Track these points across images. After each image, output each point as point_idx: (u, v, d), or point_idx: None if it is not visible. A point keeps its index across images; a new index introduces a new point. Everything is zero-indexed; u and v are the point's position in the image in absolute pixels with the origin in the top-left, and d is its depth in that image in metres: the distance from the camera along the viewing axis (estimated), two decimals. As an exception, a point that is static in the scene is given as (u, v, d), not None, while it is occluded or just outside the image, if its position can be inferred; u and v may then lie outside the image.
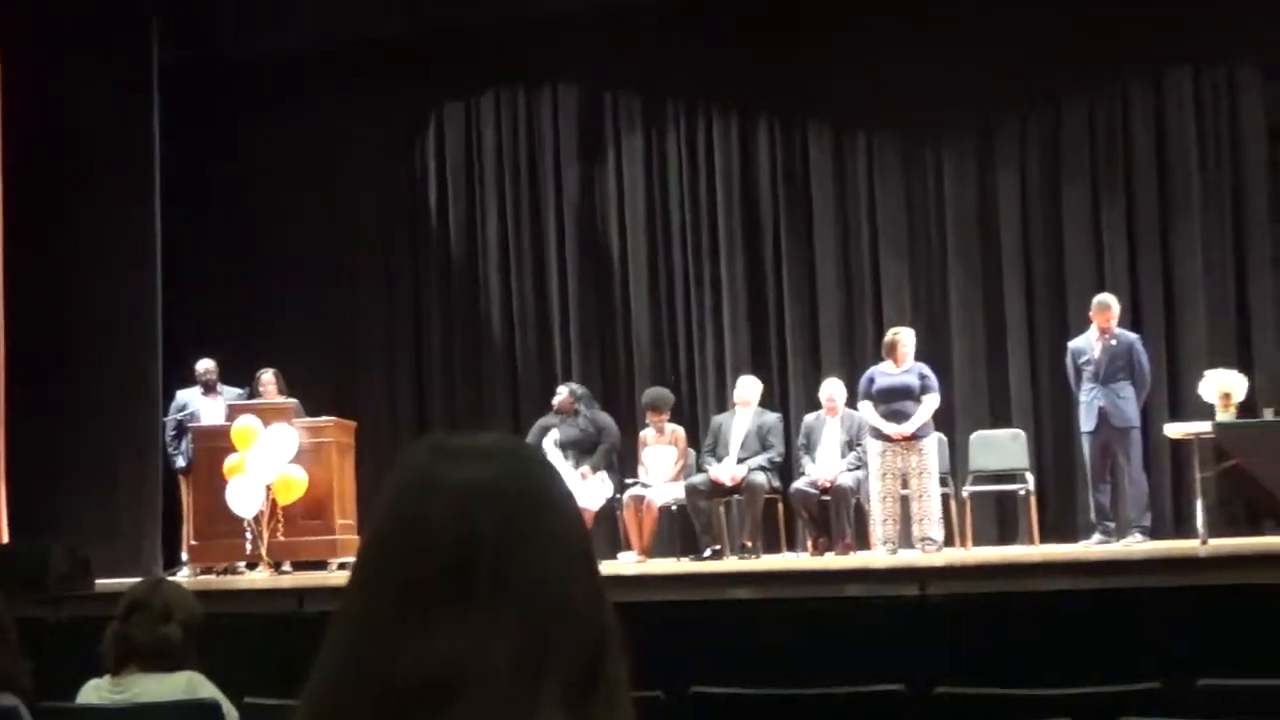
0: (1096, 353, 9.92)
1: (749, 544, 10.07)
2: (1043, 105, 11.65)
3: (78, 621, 7.36)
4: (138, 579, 4.59)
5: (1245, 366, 10.42)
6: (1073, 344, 10.23)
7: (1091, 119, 11.52)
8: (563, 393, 10.93)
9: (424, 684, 1.39)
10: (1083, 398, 10.01)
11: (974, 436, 10.93)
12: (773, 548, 10.48)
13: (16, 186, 11.41)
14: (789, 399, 11.62)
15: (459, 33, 12.69)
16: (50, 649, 4.48)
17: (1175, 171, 11.34)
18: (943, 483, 10.17)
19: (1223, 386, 9.59)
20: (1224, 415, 9.48)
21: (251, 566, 10.46)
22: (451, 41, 12.75)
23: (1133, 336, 10.08)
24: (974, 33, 11.66)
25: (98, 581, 9.16)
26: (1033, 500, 10.58)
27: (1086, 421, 9.97)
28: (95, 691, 4.21)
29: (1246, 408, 9.75)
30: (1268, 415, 9.95)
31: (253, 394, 11.15)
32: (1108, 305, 10.00)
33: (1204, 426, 9.49)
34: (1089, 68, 11.52)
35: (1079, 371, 10.05)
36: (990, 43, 11.67)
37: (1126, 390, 9.86)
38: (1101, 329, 9.93)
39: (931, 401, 9.99)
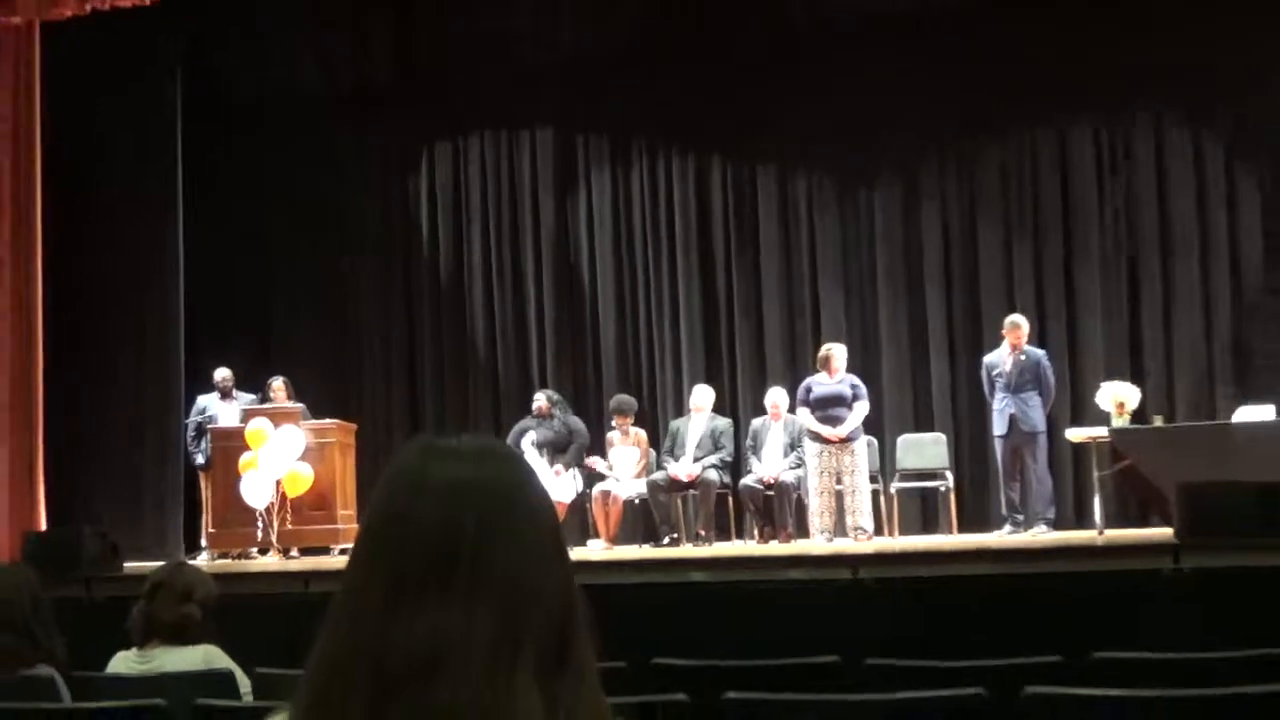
0: (1008, 366, 9.96)
1: (703, 533, 10.08)
2: (961, 152, 11.69)
3: (108, 601, 7.33)
4: (161, 562, 4.55)
5: (1137, 379, 10.49)
6: (987, 358, 10.27)
7: (1004, 165, 11.57)
8: (540, 399, 10.91)
9: (412, 659, 1.38)
10: (995, 406, 10.05)
11: (900, 439, 10.96)
12: (724, 536, 10.47)
13: (57, 214, 11.34)
14: (738, 406, 11.62)
15: (449, 81, 12.68)
16: (83, 625, 4.45)
17: (1076, 211, 11.40)
18: (873, 480, 10.20)
19: (1117, 396, 9.65)
20: (1118, 422, 9.54)
21: (263, 552, 10.41)
22: (442, 89, 12.77)
23: (1039, 352, 10.13)
24: (901, 89, 11.69)
25: (125, 565, 9.12)
26: (952, 495, 10.62)
27: (999, 426, 10.01)
28: (123, 662, 4.18)
29: (1138, 415, 9.82)
30: (1157, 422, 10.02)
31: (264, 399, 11.11)
32: (1018, 325, 10.06)
33: (1101, 431, 9.56)
34: (1002, 122, 11.58)
35: (992, 383, 10.10)
36: (915, 98, 11.68)
37: (1034, 399, 9.91)
38: (1012, 345, 9.98)
39: (862, 408, 10.03)
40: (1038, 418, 9.91)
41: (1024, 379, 9.90)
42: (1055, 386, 10.18)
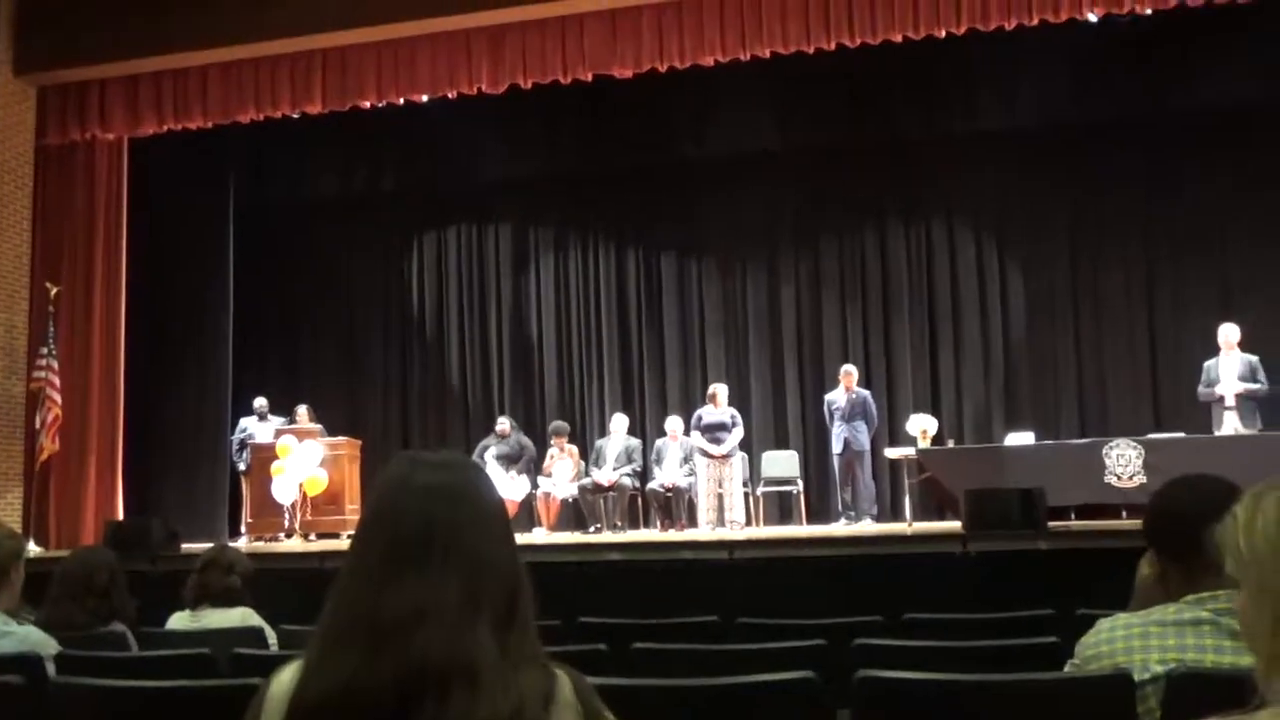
0: (842, 402, 10.06)
1: (619, 523, 10.04)
2: (809, 246, 11.83)
3: (169, 573, 7.15)
4: (210, 544, 4.47)
5: (936, 412, 10.65)
6: (827, 396, 10.37)
7: (840, 255, 11.74)
8: (502, 423, 10.87)
9: (399, 617, 1.37)
10: (834, 431, 10.14)
11: (764, 454, 11.01)
12: (634, 526, 10.44)
13: (137, 280, 11.17)
14: (646, 429, 11.62)
15: (435, 189, 12.66)
16: (149, 592, 4.34)
17: (891, 286, 11.59)
18: (744, 485, 10.23)
19: (922, 425, 9.80)
20: (923, 444, 9.67)
21: (288, 537, 10.25)
22: (430, 194, 12.73)
23: (866, 392, 10.24)
24: (766, 202, 11.88)
25: (183, 546, 8.94)
26: (802, 497, 10.68)
27: (836, 446, 10.10)
28: (179, 620, 4.12)
29: (936, 439, 9.96)
30: (950, 445, 10.17)
31: (292, 421, 10.95)
32: (850, 372, 10.18)
33: (910, 451, 9.69)
34: (839, 225, 11.75)
35: (831, 414, 10.19)
36: (777, 207, 11.89)
37: (861, 426, 10.01)
38: (846, 387, 10.08)
39: (738, 433, 10.06)
40: (864, 440, 10.02)
41: (854, 412, 10.01)
42: (877, 417, 10.30)
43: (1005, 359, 11.23)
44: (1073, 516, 8.53)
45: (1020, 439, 9.68)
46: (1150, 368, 10.86)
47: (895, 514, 10.61)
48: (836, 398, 10.15)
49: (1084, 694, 2.18)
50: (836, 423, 10.07)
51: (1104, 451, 8.73)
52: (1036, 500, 7.18)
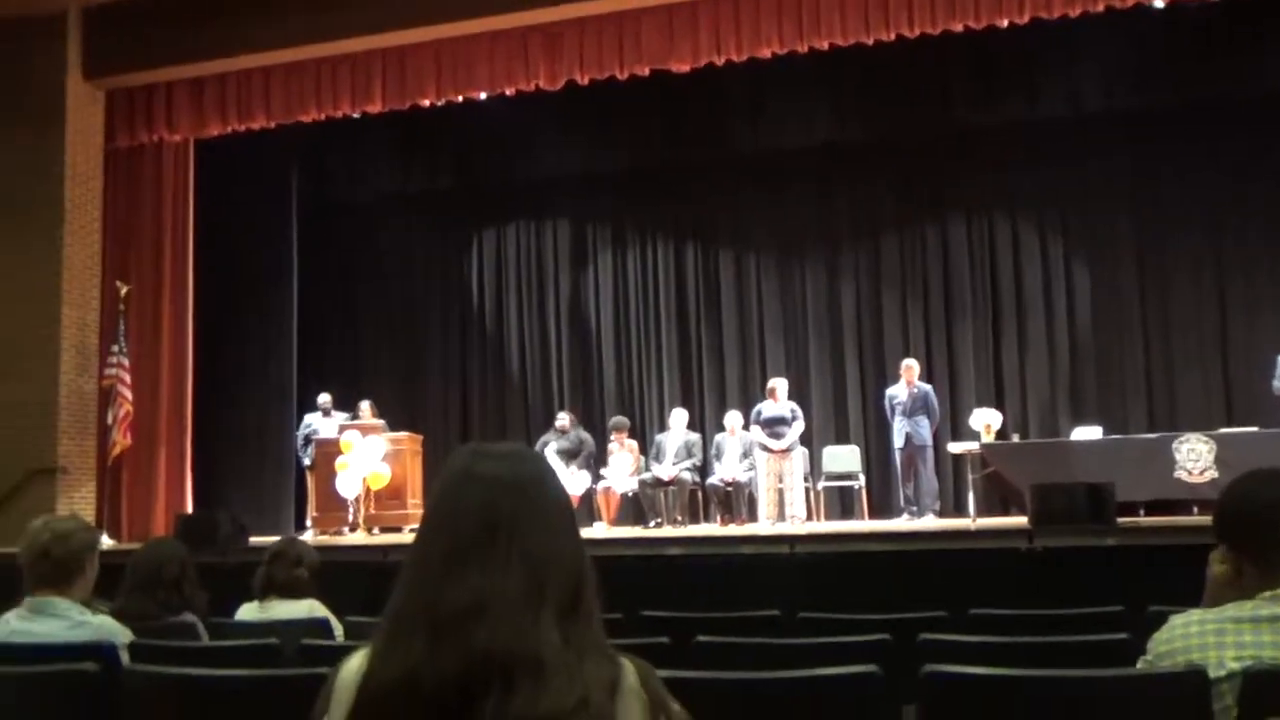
0: (903, 397, 9.96)
1: (679, 518, 10.04)
2: (870, 240, 11.74)
3: (237, 566, 7.24)
4: (278, 537, 4.53)
5: (1000, 406, 10.51)
6: (889, 390, 10.28)
7: (901, 250, 11.63)
8: (562, 418, 10.90)
9: (462, 607, 1.37)
10: (895, 426, 10.04)
11: (825, 449, 10.95)
12: (694, 521, 10.43)
13: (205, 279, 11.36)
14: (705, 424, 11.60)
15: (493, 185, 12.73)
16: (218, 584, 4.41)
17: (954, 283, 11.45)
18: (805, 479, 10.17)
19: (985, 419, 9.67)
20: (987, 439, 9.55)
21: (352, 530, 10.37)
22: (490, 191, 12.80)
23: (927, 387, 10.13)
24: (827, 195, 11.80)
25: (251, 539, 9.07)
26: (864, 492, 10.60)
27: (897, 440, 10.01)
28: (248, 611, 4.16)
29: (1000, 433, 9.82)
30: (1014, 439, 10.03)
31: (355, 417, 11.07)
32: (911, 366, 10.08)
33: (974, 446, 9.56)
34: (901, 220, 11.64)
35: (893, 409, 10.09)
36: (837, 200, 11.80)
37: (923, 421, 9.90)
38: (908, 381, 9.98)
39: (798, 427, 10.02)
40: (926, 435, 9.91)
41: (916, 406, 9.91)
42: (939, 411, 10.18)
43: (1071, 352, 11.05)
44: (1141, 512, 8.37)
45: (1087, 433, 9.53)
46: (1221, 361, 10.62)
47: (958, 509, 10.49)
48: (898, 392, 10.05)
49: (1157, 691, 2.13)
50: (898, 417, 9.98)
51: (1174, 446, 8.57)
52: (1105, 495, 7.05)
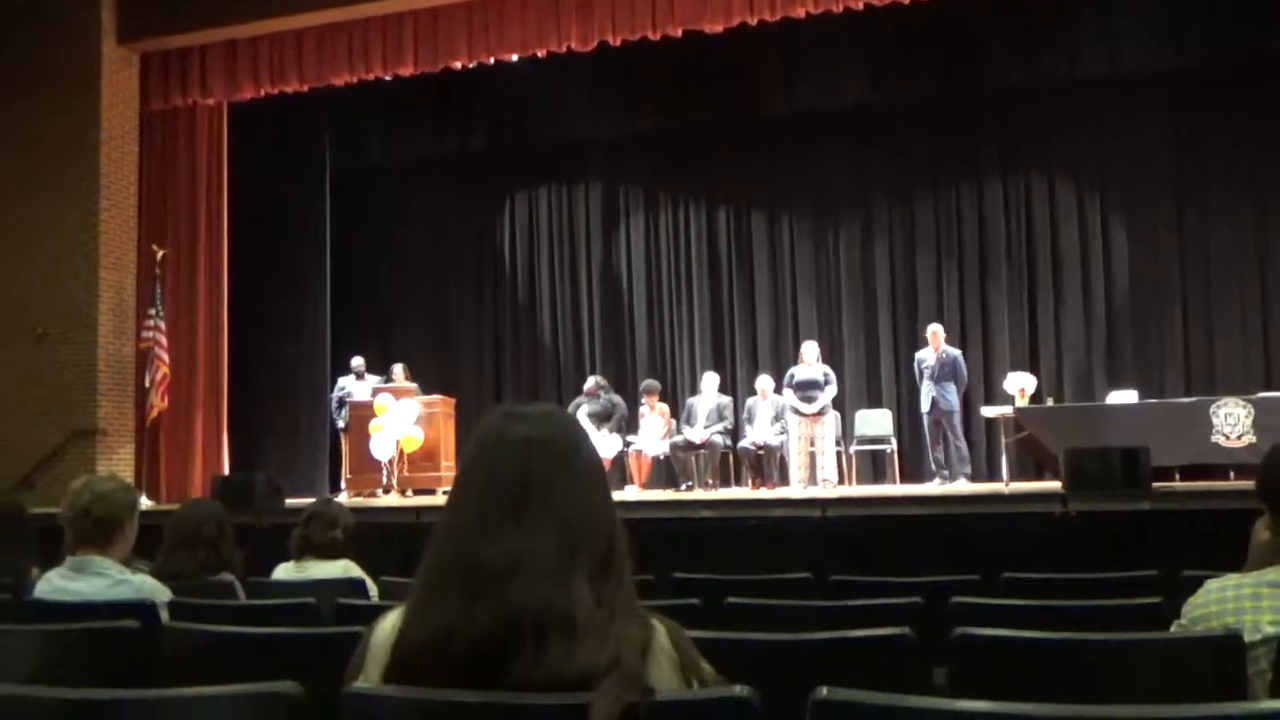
0: (931, 361, 9.88)
1: (710, 481, 10.07)
2: (904, 201, 11.64)
3: (274, 527, 7.35)
4: (313, 499, 4.57)
5: (1034, 370, 10.43)
6: (918, 355, 10.21)
7: (935, 210, 11.51)
8: (590, 382, 10.91)
9: (495, 566, 1.38)
10: (923, 390, 9.99)
11: (858, 413, 10.91)
12: (726, 484, 10.46)
13: (237, 239, 11.45)
14: (737, 387, 11.59)
15: (525, 147, 12.70)
16: (255, 545, 4.46)
17: (989, 245, 11.34)
18: (838, 443, 10.16)
19: (1019, 383, 9.60)
20: (1021, 403, 9.49)
21: (386, 492, 10.47)
22: (520, 153, 12.76)
23: (956, 351, 10.04)
24: (859, 155, 11.67)
25: (287, 500, 9.17)
26: (896, 456, 10.57)
27: (925, 405, 9.95)
28: (284, 572, 4.21)
29: (1035, 397, 9.76)
30: (1049, 403, 9.95)
31: (388, 380, 11.15)
32: (937, 332, 10.00)
33: (1007, 410, 9.50)
34: (934, 179, 11.51)
35: (921, 373, 10.02)
36: (869, 161, 11.68)
37: (950, 387, 9.81)
38: (935, 347, 9.90)
39: (830, 391, 9.99)
40: (953, 400, 9.80)
41: (944, 371, 9.80)
42: (967, 377, 10.09)
43: (1107, 315, 10.93)
44: (1177, 477, 8.31)
45: (1123, 398, 9.44)
46: (1261, 325, 10.46)
47: (991, 473, 10.44)
48: (926, 356, 9.98)
49: (1192, 655, 2.12)
50: (926, 382, 9.91)
51: (1211, 411, 8.48)
52: (1141, 459, 6.98)
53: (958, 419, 9.90)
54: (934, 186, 11.52)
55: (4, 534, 4.20)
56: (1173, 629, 2.28)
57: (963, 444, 9.95)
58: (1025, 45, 10.94)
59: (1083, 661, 2.22)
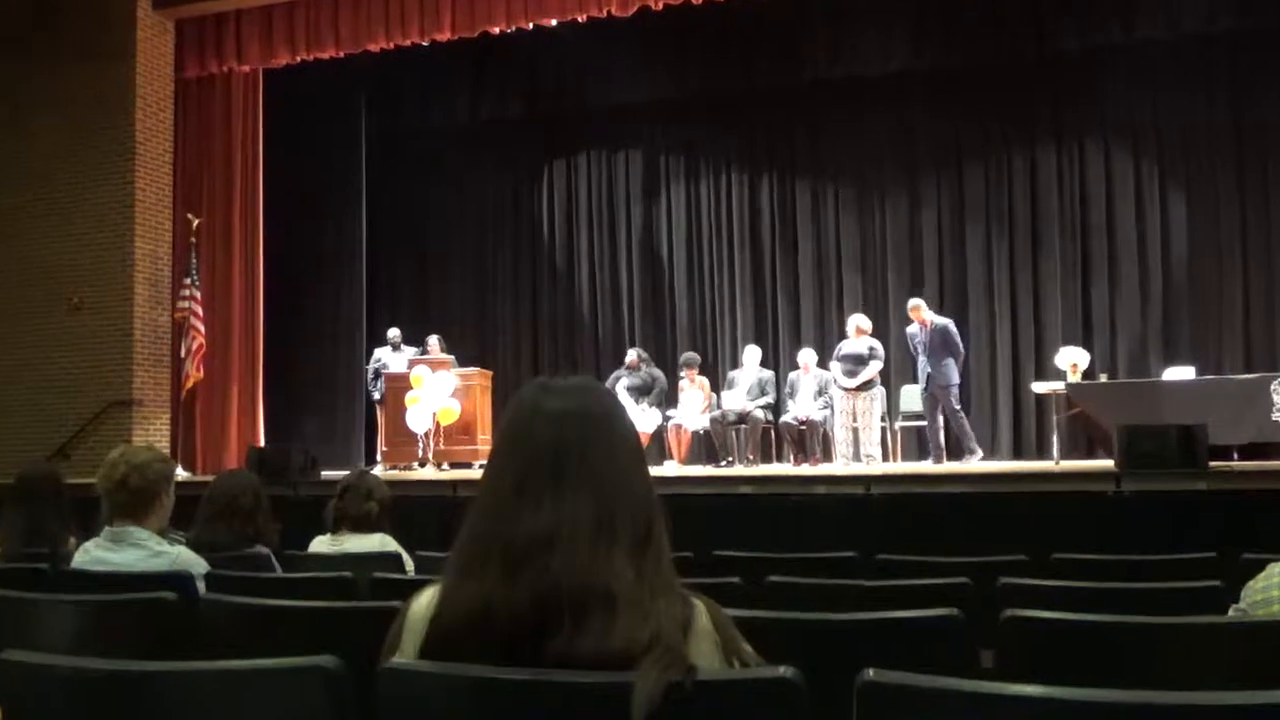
0: (921, 336, 9.54)
1: (751, 457, 10.04)
2: (953, 171, 11.50)
3: (309, 499, 7.44)
4: (348, 471, 4.60)
5: (1087, 345, 10.30)
6: (908, 330, 9.86)
7: (985, 181, 11.38)
8: (631, 354, 10.90)
9: (534, 538, 1.39)
10: (918, 365, 9.71)
11: (903, 389, 10.82)
12: (767, 460, 10.43)
13: (275, 209, 11.52)
14: (779, 361, 11.55)
15: (564, 114, 12.67)
16: (291, 517, 4.51)
17: (1041, 215, 11.19)
18: (882, 419, 10.08)
19: (1072, 358, 9.48)
20: (1073, 378, 9.38)
21: (422, 465, 10.54)
22: (558, 120, 12.74)
23: (945, 321, 9.61)
24: (905, 124, 11.54)
25: (322, 472, 9.27)
26: (942, 432, 10.42)
27: (920, 381, 9.72)
28: (320, 544, 4.24)
29: (1088, 373, 9.64)
30: (1102, 379, 9.83)
31: (424, 352, 11.21)
32: (918, 305, 9.61)
33: (1059, 386, 9.40)
34: (985, 147, 11.36)
35: (915, 348, 9.73)
36: (917, 130, 11.54)
37: (948, 361, 9.38)
38: (919, 321, 9.50)
39: (875, 365, 9.88)
40: (950, 374, 9.46)
41: (935, 344, 9.48)
42: (963, 347, 9.68)
43: (1164, 289, 10.77)
44: (1235, 456, 8.19)
45: (1179, 374, 9.31)
46: (1325, 298, 10.27)
47: (1041, 451, 10.34)
48: (914, 331, 9.68)
49: (1251, 640, 2.09)
50: (920, 357, 9.63)
51: (1272, 388, 8.35)
52: (1198, 437, 6.89)
53: (954, 393, 9.50)
54: (984, 154, 11.37)
55: (41, 504, 4.28)
56: (1230, 613, 2.25)
57: (963, 419, 9.68)
58: (1078, 6, 10.75)
59: (1137, 645, 2.20)
